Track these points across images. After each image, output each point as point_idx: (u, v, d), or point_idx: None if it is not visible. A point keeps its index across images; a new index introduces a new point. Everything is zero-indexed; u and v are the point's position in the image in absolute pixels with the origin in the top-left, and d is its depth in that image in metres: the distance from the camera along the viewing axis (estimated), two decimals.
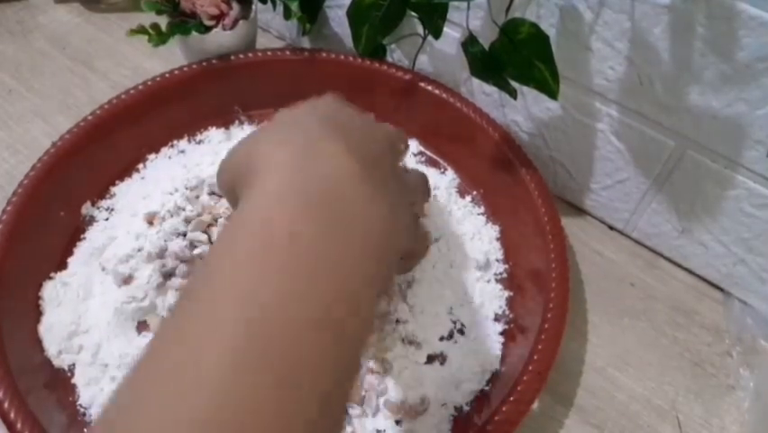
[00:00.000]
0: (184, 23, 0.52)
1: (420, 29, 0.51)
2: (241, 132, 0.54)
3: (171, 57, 0.58)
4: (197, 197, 0.46)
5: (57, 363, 0.40)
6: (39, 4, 0.68)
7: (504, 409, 0.36)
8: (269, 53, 0.54)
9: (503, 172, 0.48)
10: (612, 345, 0.45)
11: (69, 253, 0.45)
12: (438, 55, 0.53)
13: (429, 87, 0.51)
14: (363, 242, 0.24)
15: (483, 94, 0.52)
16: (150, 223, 0.45)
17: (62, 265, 0.45)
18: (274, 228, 0.22)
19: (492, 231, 0.48)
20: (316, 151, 0.25)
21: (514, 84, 0.42)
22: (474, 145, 0.50)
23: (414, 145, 0.53)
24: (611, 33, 0.41)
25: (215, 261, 0.22)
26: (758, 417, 0.41)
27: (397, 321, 0.42)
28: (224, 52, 0.53)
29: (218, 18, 0.53)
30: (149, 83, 0.51)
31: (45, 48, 0.64)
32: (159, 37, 0.51)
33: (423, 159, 0.53)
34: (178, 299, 0.26)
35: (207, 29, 0.52)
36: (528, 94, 0.48)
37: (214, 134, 0.53)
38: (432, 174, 0.51)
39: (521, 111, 0.50)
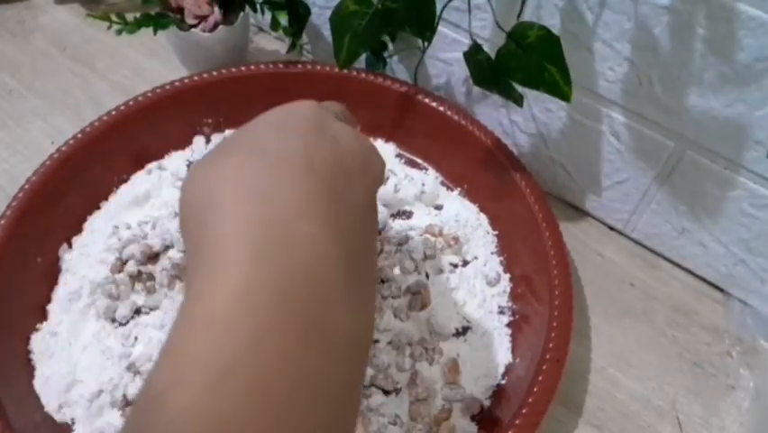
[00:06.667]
0: (162, 16, 0.51)
1: (419, 42, 0.50)
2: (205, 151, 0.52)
3: (171, 57, 0.58)
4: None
5: (59, 417, 0.38)
6: (39, 4, 0.68)
7: (530, 400, 0.36)
8: (224, 71, 0.52)
9: (485, 164, 0.48)
10: (612, 346, 0.45)
11: (48, 300, 0.43)
12: (443, 65, 0.53)
13: (403, 89, 0.51)
14: (346, 371, 0.20)
15: (484, 95, 0.52)
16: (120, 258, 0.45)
17: (45, 314, 0.43)
18: (233, 357, 0.18)
19: (486, 223, 0.49)
20: (288, 221, 0.21)
21: (520, 89, 0.42)
22: (453, 143, 0.50)
23: (392, 149, 0.53)
24: (611, 34, 0.41)
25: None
26: (758, 417, 0.41)
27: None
28: (207, 54, 0.53)
29: (202, 19, 0.52)
30: (112, 113, 0.49)
31: (45, 48, 0.64)
32: (125, 26, 0.50)
33: (402, 161, 0.53)
34: None
35: (190, 27, 0.52)
36: (528, 94, 0.48)
37: (175, 157, 0.52)
38: (414, 174, 0.51)
39: (521, 112, 0.50)
